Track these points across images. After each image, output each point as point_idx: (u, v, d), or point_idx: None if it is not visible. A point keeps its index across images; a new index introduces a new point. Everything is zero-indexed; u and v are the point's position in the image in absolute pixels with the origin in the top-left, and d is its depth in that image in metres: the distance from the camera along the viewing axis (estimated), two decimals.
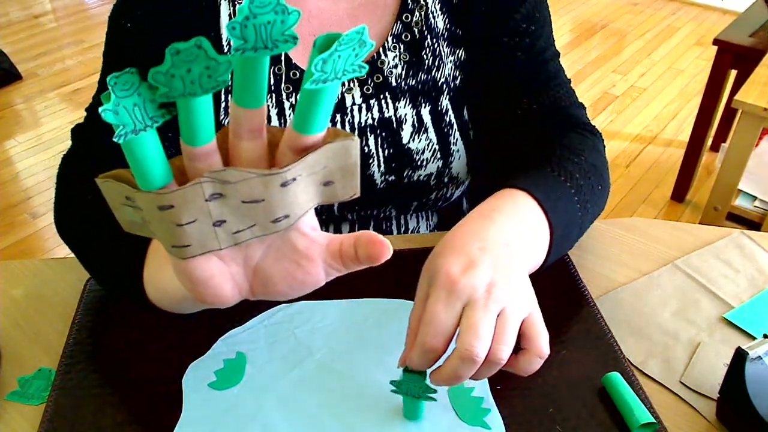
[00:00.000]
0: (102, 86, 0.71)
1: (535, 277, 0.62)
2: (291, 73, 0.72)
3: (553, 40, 0.77)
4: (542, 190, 0.60)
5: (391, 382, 0.52)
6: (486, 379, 0.58)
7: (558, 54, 0.77)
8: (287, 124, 0.36)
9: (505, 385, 0.57)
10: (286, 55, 0.72)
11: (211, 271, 0.39)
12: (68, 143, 0.73)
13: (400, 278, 0.69)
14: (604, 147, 0.75)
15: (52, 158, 2.43)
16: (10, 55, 3.01)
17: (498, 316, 0.48)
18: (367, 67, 0.34)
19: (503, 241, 0.53)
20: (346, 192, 0.38)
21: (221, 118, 0.71)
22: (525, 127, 0.75)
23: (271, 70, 0.71)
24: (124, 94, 0.31)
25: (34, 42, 3.38)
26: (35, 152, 2.49)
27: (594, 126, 0.76)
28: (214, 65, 0.30)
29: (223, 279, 0.39)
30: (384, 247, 0.39)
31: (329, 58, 0.31)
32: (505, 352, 0.47)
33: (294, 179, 0.36)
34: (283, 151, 0.36)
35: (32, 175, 2.35)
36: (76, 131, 0.73)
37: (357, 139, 0.37)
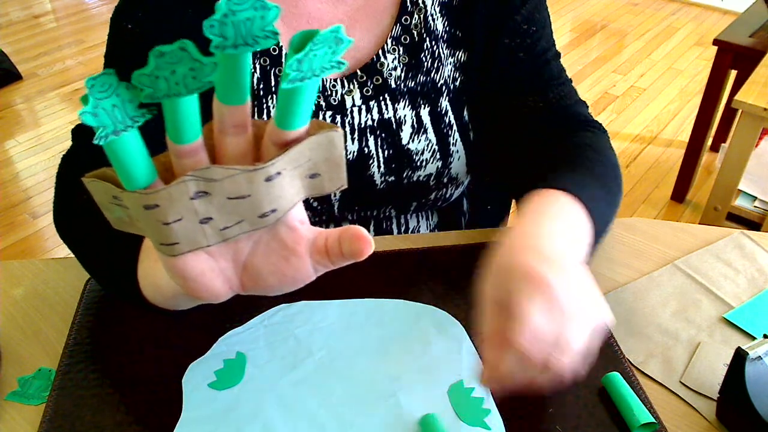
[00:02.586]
0: None
1: None
2: None
3: (554, 41, 0.77)
4: (582, 192, 0.58)
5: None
6: None
7: (559, 54, 0.77)
8: (270, 119, 0.36)
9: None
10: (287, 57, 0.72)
11: (200, 267, 0.39)
12: (68, 143, 0.73)
13: (400, 278, 0.69)
14: (610, 143, 0.75)
15: (52, 158, 2.43)
16: (10, 55, 3.01)
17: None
18: (346, 63, 0.33)
19: (563, 251, 0.51)
20: (334, 184, 0.38)
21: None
22: (531, 126, 0.74)
23: (272, 71, 0.72)
24: (103, 96, 0.31)
25: (34, 42, 3.38)
26: (35, 152, 2.48)
27: (597, 121, 0.76)
28: (199, 66, 0.30)
29: (213, 275, 0.40)
30: (366, 244, 0.38)
31: (304, 57, 0.31)
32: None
33: (279, 173, 0.35)
34: (267, 145, 0.36)
35: (32, 175, 2.35)
36: (76, 132, 0.73)
37: (341, 131, 0.36)
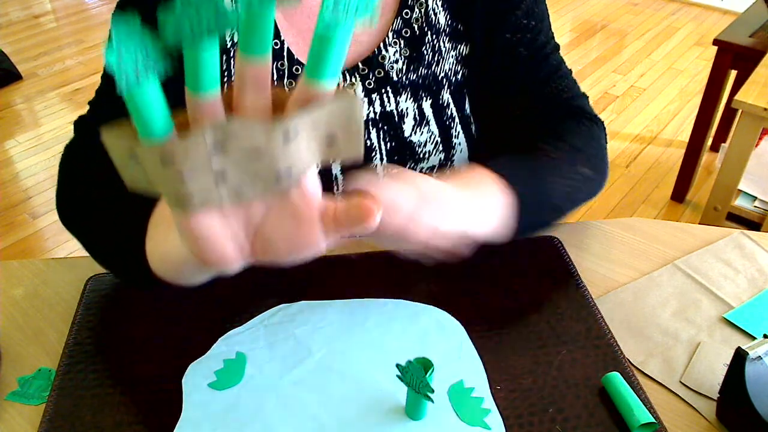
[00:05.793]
0: (104, 83, 0.73)
1: (535, 278, 0.62)
2: (293, 69, 0.72)
3: (553, 34, 0.77)
4: (500, 163, 0.60)
5: (397, 366, 0.52)
6: (486, 380, 0.58)
7: (558, 46, 0.77)
8: (299, 79, 0.36)
9: (505, 385, 0.58)
10: (289, 51, 0.72)
11: (213, 228, 0.39)
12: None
13: (400, 278, 0.69)
14: (605, 134, 0.75)
15: (52, 158, 2.43)
16: (10, 55, 3.01)
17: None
18: (377, 15, 0.34)
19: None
20: (350, 152, 0.38)
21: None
22: (528, 120, 0.75)
23: (274, 65, 0.72)
24: (128, 41, 0.31)
25: (34, 42, 3.38)
26: (35, 152, 2.48)
27: (595, 115, 0.76)
28: (223, 13, 0.31)
29: (225, 237, 0.39)
30: (371, 216, 0.39)
31: None
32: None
33: (297, 133, 0.36)
34: (291, 108, 0.37)
35: (32, 175, 2.35)
36: (79, 123, 0.74)
37: (360, 97, 0.37)
